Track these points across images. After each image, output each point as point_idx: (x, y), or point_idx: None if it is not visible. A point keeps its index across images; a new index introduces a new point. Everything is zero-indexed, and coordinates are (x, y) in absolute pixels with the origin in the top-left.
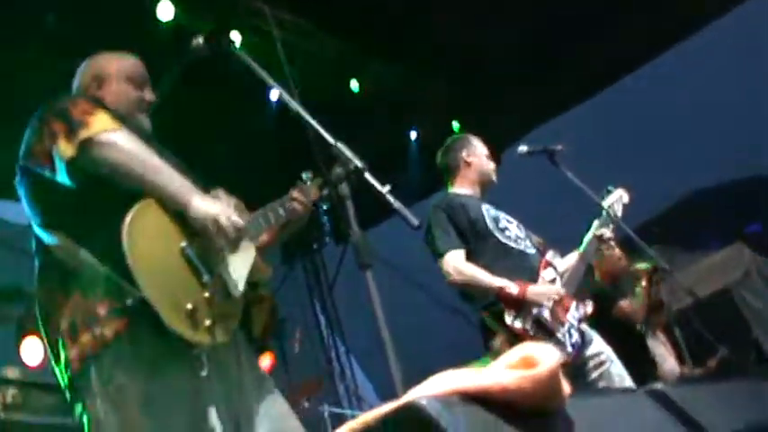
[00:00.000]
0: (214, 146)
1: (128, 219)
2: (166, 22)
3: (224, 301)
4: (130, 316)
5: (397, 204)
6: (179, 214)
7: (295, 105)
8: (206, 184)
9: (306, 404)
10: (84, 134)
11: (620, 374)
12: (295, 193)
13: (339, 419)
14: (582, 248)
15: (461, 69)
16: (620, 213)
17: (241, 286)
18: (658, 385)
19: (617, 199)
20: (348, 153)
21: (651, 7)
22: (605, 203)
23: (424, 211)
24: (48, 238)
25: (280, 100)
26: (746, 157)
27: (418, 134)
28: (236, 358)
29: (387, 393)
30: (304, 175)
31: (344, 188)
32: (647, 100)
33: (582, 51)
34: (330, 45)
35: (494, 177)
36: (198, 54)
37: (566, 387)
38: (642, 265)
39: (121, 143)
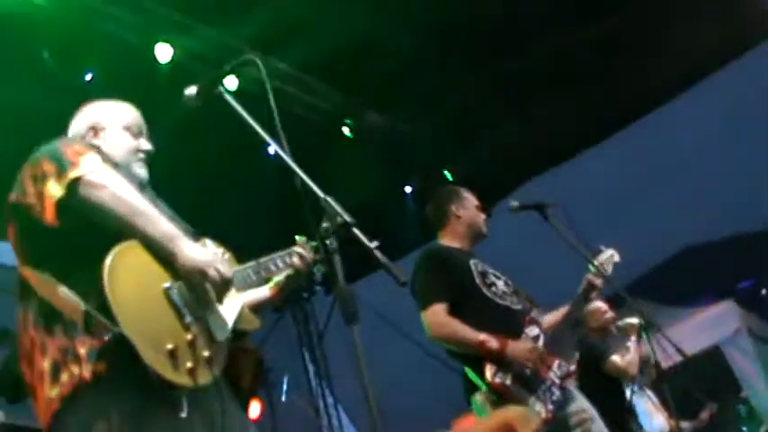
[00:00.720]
0: (211, 198)
1: (111, 256)
2: (165, 64)
3: (207, 345)
4: (110, 355)
5: (384, 260)
6: (165, 257)
7: (286, 157)
8: (198, 234)
9: None
10: (73, 174)
11: None
12: (298, 248)
13: None
14: (570, 304)
15: (453, 122)
16: (610, 272)
17: (225, 333)
18: None
19: (608, 258)
20: (336, 207)
21: (640, 66)
22: (596, 262)
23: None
24: (32, 276)
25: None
26: (739, 214)
27: (414, 187)
28: (221, 405)
29: None
30: (297, 238)
31: (332, 242)
32: (638, 156)
33: (573, 107)
34: (325, 95)
35: (484, 230)
36: (191, 104)
37: None
38: (631, 320)
39: (110, 185)
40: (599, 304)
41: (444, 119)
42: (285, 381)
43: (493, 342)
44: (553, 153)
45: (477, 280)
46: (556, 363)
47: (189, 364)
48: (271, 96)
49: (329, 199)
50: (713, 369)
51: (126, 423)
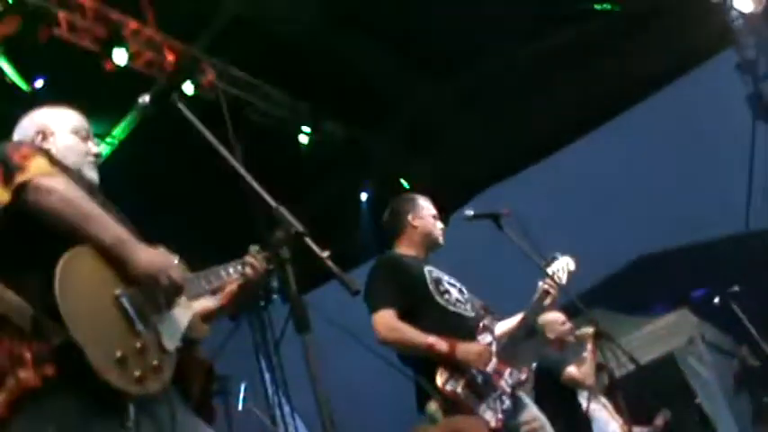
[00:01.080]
0: (163, 206)
1: (61, 262)
2: (123, 67)
3: (156, 353)
4: (58, 360)
5: (335, 270)
6: (116, 261)
7: (237, 166)
8: (149, 241)
9: None
10: (20, 178)
11: None
12: (250, 258)
13: None
14: (524, 312)
15: (409, 132)
16: (564, 281)
17: (175, 341)
18: None
19: (563, 266)
20: (289, 217)
21: (595, 78)
22: (550, 270)
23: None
24: None
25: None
26: (693, 224)
27: (369, 195)
28: (170, 413)
29: None
30: (251, 248)
31: (285, 252)
32: (593, 166)
33: (528, 116)
34: (280, 102)
35: (440, 240)
36: (144, 112)
37: None
38: (587, 329)
39: (59, 189)
40: (556, 315)
41: (401, 126)
42: (242, 389)
43: (442, 344)
44: (509, 163)
45: (431, 287)
46: (507, 371)
47: (138, 372)
48: (224, 104)
49: (281, 208)
50: (668, 377)
51: (71, 430)
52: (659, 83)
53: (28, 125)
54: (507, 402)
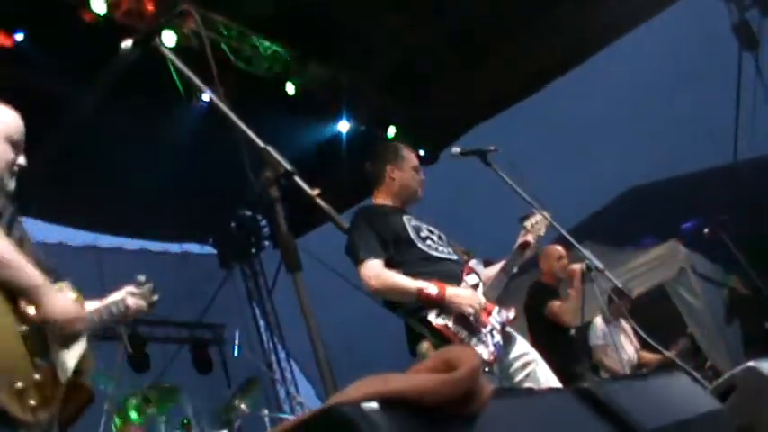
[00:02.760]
0: (147, 151)
1: None
2: (103, 15)
3: (51, 385)
4: None
5: (326, 207)
6: (28, 301)
7: (224, 108)
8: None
9: (245, 408)
10: None
11: (546, 376)
12: (128, 296)
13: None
14: (506, 258)
15: (395, 73)
16: (543, 233)
17: (69, 373)
18: (585, 384)
19: (539, 219)
20: (277, 157)
21: (579, 14)
22: (528, 223)
23: None
24: None
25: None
26: (681, 156)
27: (350, 135)
28: None
29: (328, 397)
30: (139, 278)
31: (274, 191)
32: (580, 102)
33: (516, 54)
34: (264, 48)
35: (419, 193)
36: (127, 58)
37: (487, 389)
38: (575, 266)
39: None
40: (554, 249)
41: (388, 68)
42: (236, 336)
43: (432, 288)
44: (496, 101)
45: (412, 234)
46: (495, 309)
47: (33, 402)
48: (208, 49)
49: (269, 148)
50: (659, 308)
51: None
52: (644, 16)
53: None
54: (498, 337)
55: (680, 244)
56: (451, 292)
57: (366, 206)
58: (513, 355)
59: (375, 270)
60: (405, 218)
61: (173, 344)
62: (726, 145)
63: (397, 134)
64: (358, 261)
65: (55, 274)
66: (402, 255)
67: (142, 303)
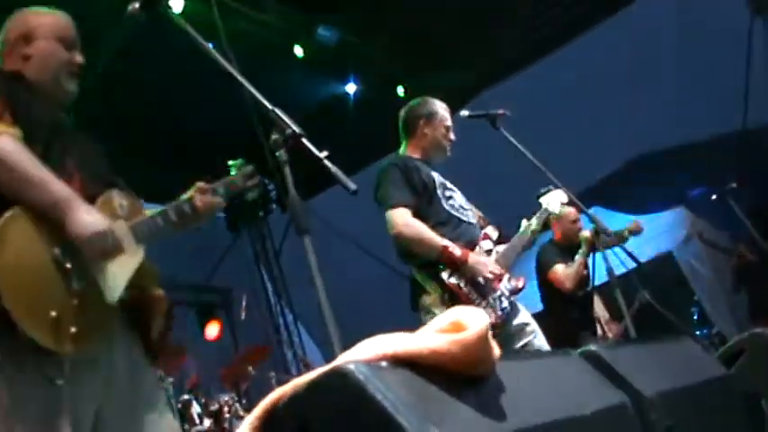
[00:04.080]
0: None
1: None
2: None
3: (95, 308)
4: None
5: (334, 169)
6: (56, 221)
7: (232, 70)
8: (112, 181)
9: (252, 371)
10: None
11: (541, 347)
12: (198, 194)
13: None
14: (520, 232)
15: (404, 32)
16: (557, 211)
17: (118, 293)
18: (592, 347)
19: (554, 198)
20: (285, 118)
21: None
22: (543, 201)
23: (362, 180)
24: None
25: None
26: (690, 123)
27: (359, 96)
28: (111, 364)
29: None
30: (231, 163)
31: (282, 154)
32: (590, 66)
33: (526, 16)
34: (270, 8)
35: (447, 152)
36: (134, 20)
37: (496, 350)
38: (585, 233)
39: (4, 152)
40: (569, 211)
41: (397, 31)
42: (244, 299)
43: (456, 249)
44: (507, 63)
45: (440, 191)
46: (506, 277)
47: (73, 330)
48: (216, 11)
49: (278, 110)
50: (666, 275)
51: (8, 386)
52: None
53: (13, 27)
54: (506, 303)
55: (688, 210)
56: (474, 257)
57: (397, 156)
58: (515, 323)
59: (405, 217)
60: (433, 173)
61: (180, 306)
62: (735, 111)
63: (405, 95)
64: (389, 205)
65: (104, 183)
66: (427, 209)
67: (217, 200)
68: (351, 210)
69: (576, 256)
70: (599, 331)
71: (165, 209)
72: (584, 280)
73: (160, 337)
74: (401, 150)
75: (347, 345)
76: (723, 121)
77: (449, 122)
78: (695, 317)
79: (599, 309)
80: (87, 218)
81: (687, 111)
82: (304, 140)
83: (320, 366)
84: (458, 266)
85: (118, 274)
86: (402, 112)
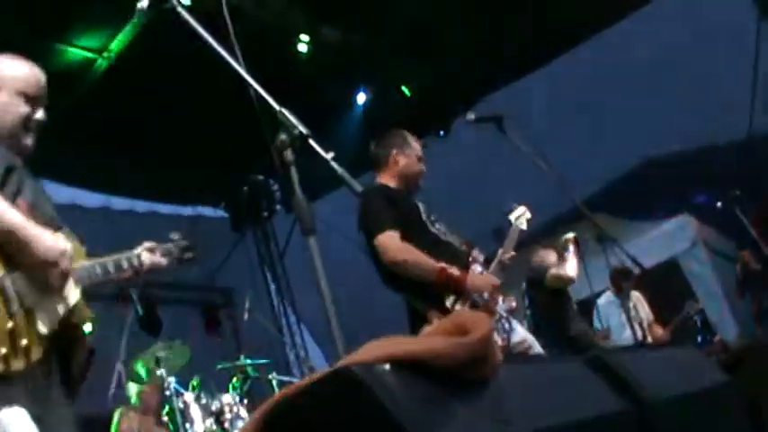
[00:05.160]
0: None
1: None
2: None
3: (27, 334)
4: None
5: (340, 170)
6: (3, 247)
7: (241, 70)
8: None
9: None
10: None
11: None
12: (146, 252)
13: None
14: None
15: (411, 36)
16: (524, 228)
17: (52, 325)
18: (596, 352)
19: (521, 214)
20: (292, 119)
21: None
22: (512, 217)
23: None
24: None
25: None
26: (695, 129)
27: (367, 101)
28: (28, 392)
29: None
30: (172, 235)
31: (289, 154)
32: (596, 71)
33: (532, 19)
34: (277, 8)
35: (419, 182)
36: (143, 16)
37: (498, 354)
38: (567, 235)
39: None
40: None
41: (401, 31)
42: (247, 300)
43: (454, 270)
44: (512, 67)
45: (425, 217)
46: (501, 298)
47: (3, 350)
48: (225, 9)
49: (285, 111)
50: (670, 282)
51: None
52: None
53: None
54: (506, 324)
55: (693, 217)
56: (472, 275)
57: (375, 185)
58: (513, 342)
59: (397, 241)
60: (416, 201)
61: (183, 306)
62: (741, 117)
63: (411, 98)
64: (377, 231)
65: (55, 226)
66: (414, 235)
67: (160, 260)
68: (356, 211)
69: (566, 254)
70: (639, 333)
71: (105, 261)
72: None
73: (79, 373)
74: (378, 180)
75: (350, 347)
76: (728, 128)
77: (419, 152)
78: (699, 324)
79: (642, 311)
80: (48, 238)
81: (692, 118)
82: (311, 141)
83: (323, 368)
84: (456, 288)
85: (54, 309)
86: (372, 144)
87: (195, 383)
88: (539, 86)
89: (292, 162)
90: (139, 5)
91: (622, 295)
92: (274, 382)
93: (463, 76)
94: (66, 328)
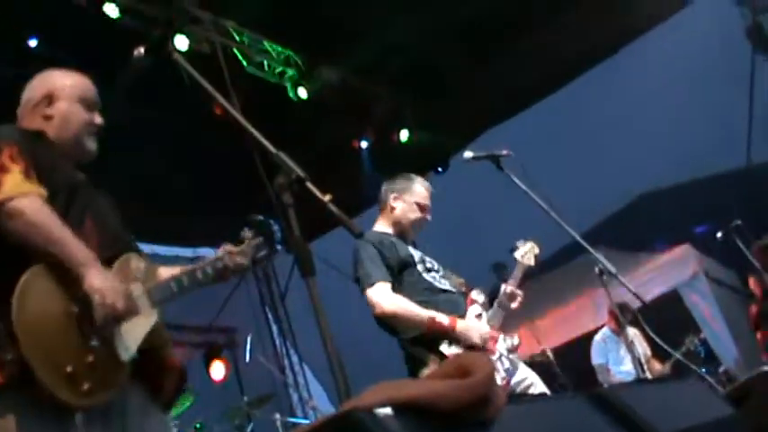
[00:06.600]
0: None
1: (20, 283)
2: (116, 19)
3: (108, 365)
4: (9, 373)
5: (338, 213)
6: (76, 278)
7: (236, 115)
8: (130, 245)
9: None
10: None
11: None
12: (224, 255)
13: (293, 429)
14: (502, 294)
15: (407, 76)
16: (532, 263)
17: (131, 352)
18: (599, 389)
19: (528, 250)
20: (289, 162)
21: (593, 15)
22: (517, 254)
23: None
24: None
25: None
26: (694, 160)
27: (369, 142)
28: (122, 421)
29: (341, 402)
30: (245, 232)
31: (287, 197)
32: (594, 104)
33: (529, 55)
34: (276, 52)
35: (411, 233)
36: (139, 65)
37: (501, 395)
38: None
39: (26, 213)
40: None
41: (400, 71)
42: (249, 340)
43: (443, 317)
44: (508, 105)
45: (418, 264)
46: (501, 337)
47: (87, 386)
48: (220, 55)
49: (281, 154)
50: (672, 313)
51: (29, 422)
52: (658, 18)
53: (37, 87)
54: (507, 363)
55: (693, 248)
56: (462, 323)
57: (370, 235)
58: (515, 380)
59: (387, 293)
60: (410, 248)
61: (184, 347)
62: (739, 147)
63: (409, 138)
64: (368, 283)
65: (121, 244)
66: (408, 283)
67: (242, 262)
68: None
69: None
70: (639, 370)
71: (180, 276)
72: None
73: (172, 395)
74: (375, 225)
75: (353, 387)
76: (727, 158)
77: (422, 199)
78: (702, 355)
79: (640, 346)
80: (102, 283)
81: (691, 148)
82: (308, 184)
83: (326, 408)
84: (447, 335)
85: (132, 335)
86: (382, 186)
87: (198, 426)
88: (537, 120)
89: (290, 204)
90: (136, 53)
91: (620, 331)
92: (278, 423)
93: (461, 113)
94: (149, 352)
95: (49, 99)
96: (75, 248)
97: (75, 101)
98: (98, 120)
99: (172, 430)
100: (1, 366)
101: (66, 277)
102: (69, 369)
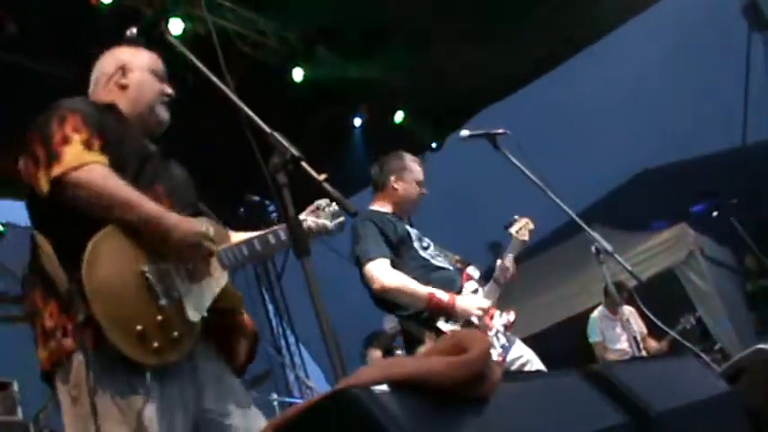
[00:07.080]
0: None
1: (90, 244)
2: (108, 4)
3: (178, 325)
4: (80, 334)
5: (333, 192)
6: (146, 239)
7: (231, 95)
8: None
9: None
10: (56, 171)
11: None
12: (309, 217)
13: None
14: (498, 270)
15: (403, 54)
16: (527, 238)
17: (200, 313)
18: (595, 366)
19: (524, 225)
20: (284, 142)
21: None
22: (513, 229)
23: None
24: (42, 243)
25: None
26: (690, 140)
27: (363, 121)
28: (193, 380)
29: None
30: (320, 202)
31: (282, 177)
32: (591, 83)
33: (525, 33)
34: (270, 32)
35: (416, 207)
36: (133, 45)
37: (497, 372)
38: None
39: (92, 181)
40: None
41: (395, 49)
42: None
43: (442, 294)
44: (506, 82)
45: (416, 243)
46: (497, 313)
47: (156, 344)
48: (214, 35)
49: (276, 134)
50: (668, 292)
51: (96, 393)
52: None
53: (108, 61)
54: (503, 339)
55: (689, 227)
56: (460, 299)
57: (368, 213)
58: (511, 357)
59: (386, 269)
60: (408, 227)
61: None
62: (735, 127)
63: (404, 119)
64: (367, 259)
65: (192, 211)
66: (406, 260)
67: (326, 223)
68: (350, 231)
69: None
70: (635, 348)
71: (251, 238)
72: None
73: (244, 360)
74: (372, 205)
75: (349, 366)
76: (723, 137)
77: (419, 177)
78: (697, 333)
79: (635, 324)
80: (185, 223)
81: (687, 127)
82: (303, 164)
83: (322, 388)
84: (447, 311)
85: (201, 296)
86: (373, 168)
87: None
88: (533, 100)
89: (285, 184)
90: (129, 33)
91: (615, 309)
92: (275, 404)
93: (458, 92)
94: (219, 313)
95: (123, 70)
96: (148, 205)
97: (147, 71)
98: (169, 90)
99: (246, 395)
100: (73, 326)
101: (138, 237)
102: (139, 328)
